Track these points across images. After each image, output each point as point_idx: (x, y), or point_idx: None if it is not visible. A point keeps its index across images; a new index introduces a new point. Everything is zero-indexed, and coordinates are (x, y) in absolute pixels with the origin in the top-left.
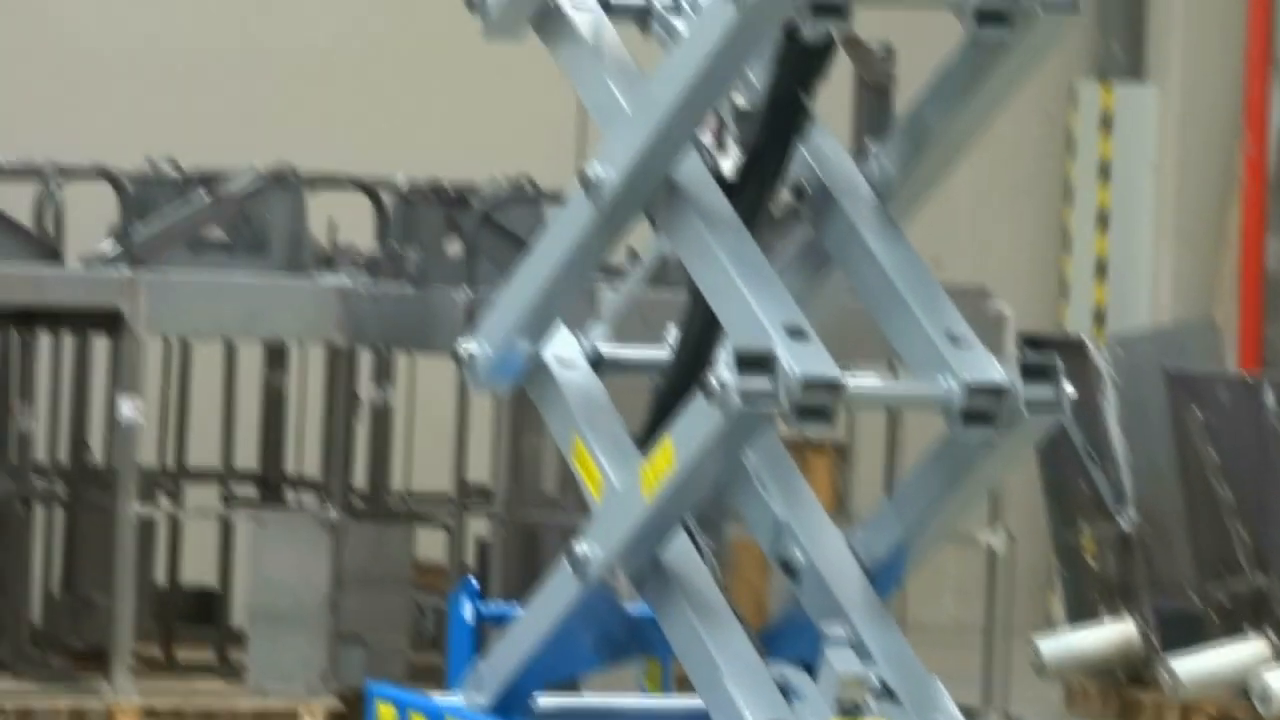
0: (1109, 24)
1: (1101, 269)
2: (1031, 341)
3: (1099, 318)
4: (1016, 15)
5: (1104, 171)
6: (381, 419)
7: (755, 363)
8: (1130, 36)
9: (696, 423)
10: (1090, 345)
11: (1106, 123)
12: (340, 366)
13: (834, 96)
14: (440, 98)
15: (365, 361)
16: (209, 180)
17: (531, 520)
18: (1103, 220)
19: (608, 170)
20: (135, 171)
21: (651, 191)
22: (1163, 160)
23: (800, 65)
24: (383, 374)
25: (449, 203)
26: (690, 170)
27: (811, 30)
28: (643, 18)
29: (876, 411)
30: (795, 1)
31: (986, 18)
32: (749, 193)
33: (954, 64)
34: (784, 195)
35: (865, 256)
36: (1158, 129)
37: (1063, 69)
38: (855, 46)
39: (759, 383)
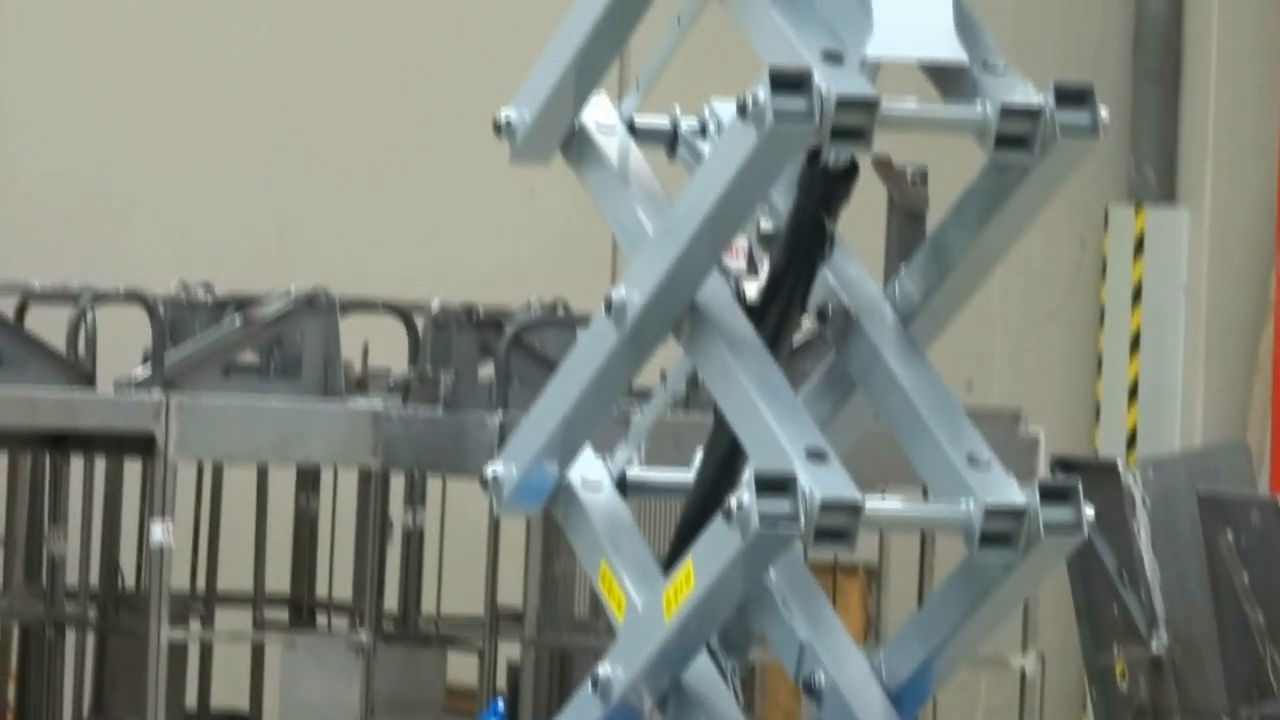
0: (1142, 148)
1: (1133, 391)
2: (1064, 464)
3: (1131, 440)
4: (1037, 139)
5: (1136, 294)
6: (413, 542)
7: (775, 485)
8: (1163, 160)
9: (717, 545)
10: (1122, 468)
11: (1139, 246)
12: (372, 490)
13: (868, 220)
14: (474, 220)
15: (397, 485)
16: (242, 304)
17: (563, 644)
18: (1135, 343)
19: (632, 294)
20: (168, 295)
21: (676, 315)
22: (1195, 283)
23: (823, 189)
24: (415, 497)
25: (481, 326)
26: (714, 293)
27: (833, 154)
28: (669, 142)
29: (908, 534)
30: (816, 126)
31: (1006, 142)
32: (772, 316)
33: (976, 187)
34: (809, 318)
35: (887, 379)
36: (1190, 252)
37: (1096, 193)
38: (888, 170)
39: (778, 505)
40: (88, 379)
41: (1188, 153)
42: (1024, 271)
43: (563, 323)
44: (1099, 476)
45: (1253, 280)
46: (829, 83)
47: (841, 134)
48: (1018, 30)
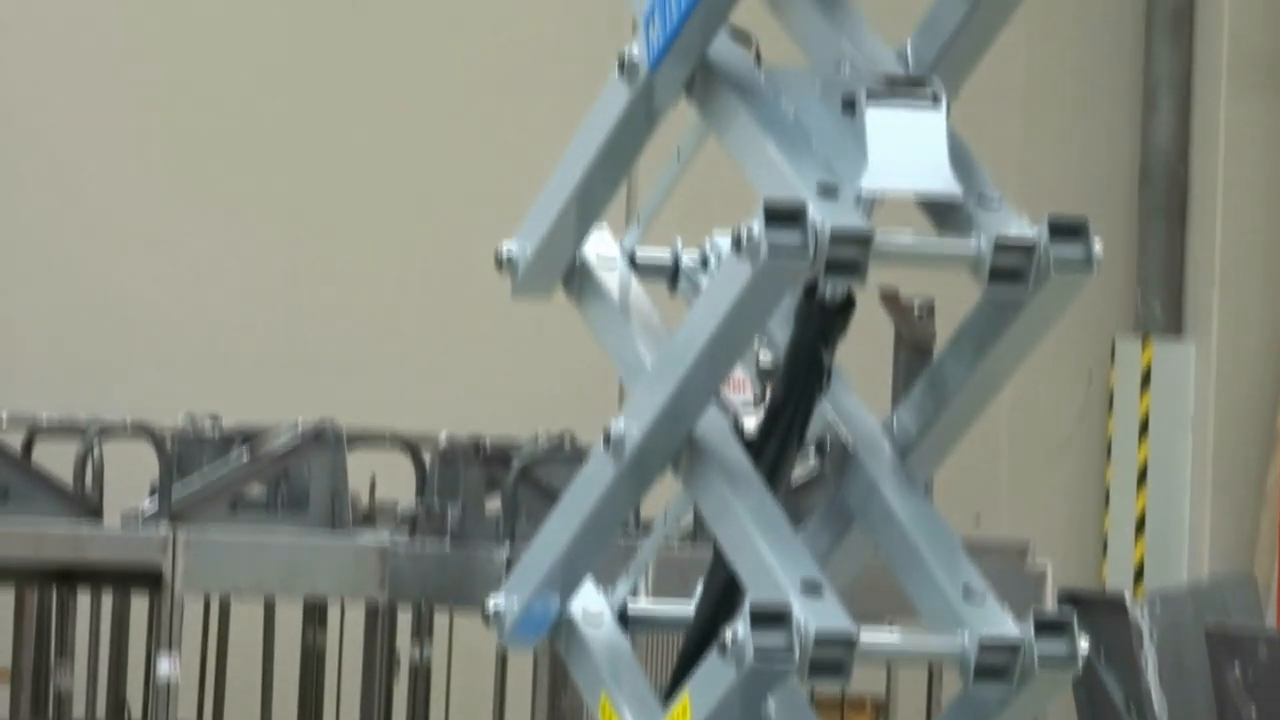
0: (1148, 281)
1: (1141, 524)
2: (1071, 598)
3: (1138, 573)
4: (1031, 273)
5: (1143, 428)
6: (420, 676)
7: (769, 618)
8: (1169, 293)
9: (713, 678)
10: (1129, 601)
11: (1146, 379)
12: (379, 623)
13: (875, 353)
14: (482, 353)
15: (404, 619)
16: (249, 437)
17: None
18: (1142, 476)
19: (630, 426)
20: (175, 428)
21: (674, 448)
22: (1201, 416)
23: (820, 322)
24: (422, 631)
25: (489, 460)
26: (712, 426)
27: (830, 288)
28: (670, 275)
29: (915, 668)
30: (811, 260)
31: (1001, 275)
32: (770, 449)
33: (972, 320)
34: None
35: (884, 512)
36: (1197, 385)
37: (1103, 326)
38: (895, 304)
39: (773, 638)
40: (95, 513)
41: (1194, 286)
42: (1031, 405)
43: (570, 456)
44: (1107, 610)
45: (1259, 412)
46: (823, 216)
47: (836, 267)
48: (1023, 164)
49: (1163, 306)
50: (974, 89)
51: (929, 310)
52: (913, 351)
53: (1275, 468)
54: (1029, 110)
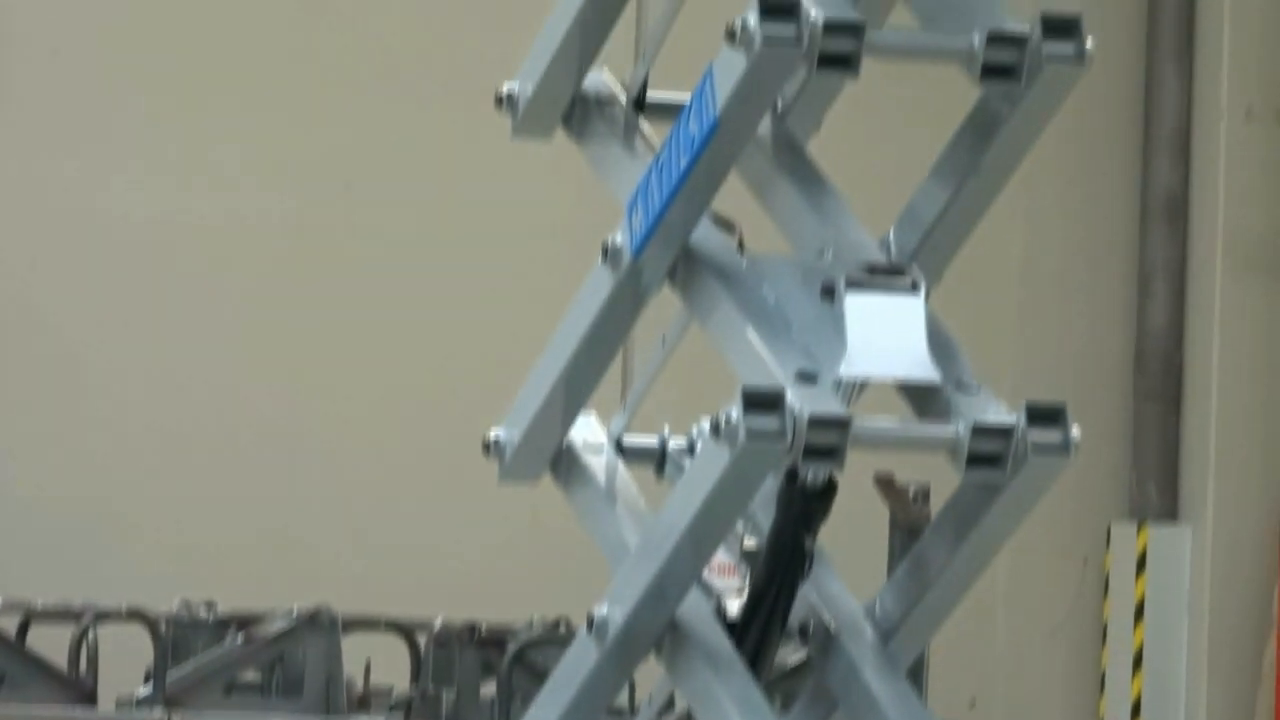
0: (1144, 466)
1: (1136, 709)
2: None
3: None
4: (1009, 458)
5: (1139, 612)
6: None
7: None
8: (1165, 478)
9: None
10: None
11: (1141, 564)
12: None
13: (870, 537)
14: (477, 538)
15: None
16: (244, 622)
17: None
18: (1138, 660)
19: (613, 610)
20: (170, 613)
21: (657, 632)
22: (1197, 600)
23: (801, 507)
24: None
25: (484, 644)
26: (694, 610)
27: (811, 473)
28: (657, 461)
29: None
30: (788, 445)
31: (979, 460)
32: (752, 634)
33: (953, 504)
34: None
35: (865, 697)
36: (1192, 569)
37: (1098, 511)
38: (890, 488)
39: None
40: (90, 698)
41: (1189, 470)
42: (1027, 589)
43: (565, 640)
44: None
45: (1255, 596)
46: (801, 402)
47: (814, 453)
48: (1019, 349)
49: (1158, 491)
50: (969, 274)
51: (924, 495)
52: (908, 535)
53: (1271, 650)
54: (1025, 295)
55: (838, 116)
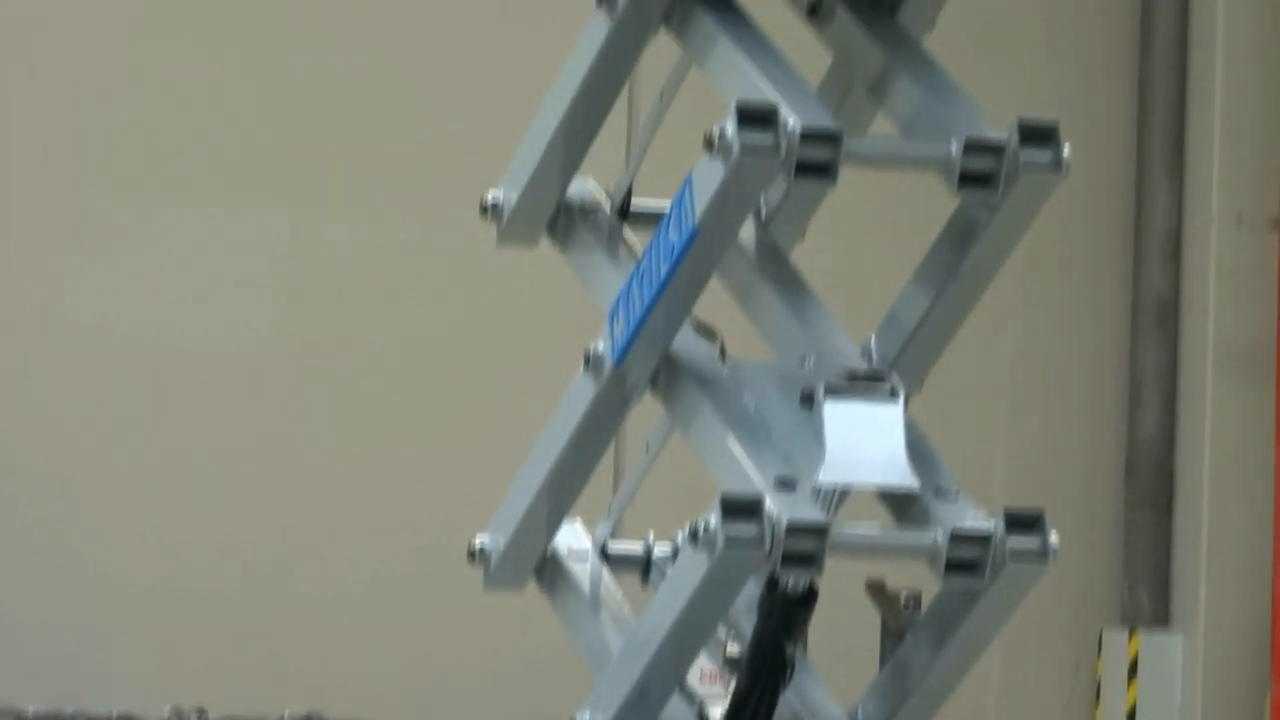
0: (1135, 573)
1: None
2: None
3: None
4: (987, 565)
5: (1131, 718)
6: None
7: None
8: (1156, 585)
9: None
10: None
11: (1133, 670)
12: None
13: (862, 644)
14: (466, 644)
15: None
16: None
17: None
18: None
19: (596, 717)
20: (162, 718)
21: None
22: (1189, 707)
23: (782, 614)
24: None
25: None
26: (677, 717)
27: (791, 580)
28: (642, 567)
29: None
30: (767, 552)
31: (957, 567)
32: None
33: (933, 609)
34: None
35: None
36: (1184, 676)
37: (1089, 618)
38: (880, 594)
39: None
40: None
41: (1181, 577)
42: (1018, 696)
43: None
44: None
45: (1247, 704)
46: (779, 509)
47: (792, 559)
48: (1009, 455)
49: (1150, 598)
50: (959, 383)
51: (915, 601)
52: (899, 641)
53: None
54: (1014, 401)
55: (824, 216)
